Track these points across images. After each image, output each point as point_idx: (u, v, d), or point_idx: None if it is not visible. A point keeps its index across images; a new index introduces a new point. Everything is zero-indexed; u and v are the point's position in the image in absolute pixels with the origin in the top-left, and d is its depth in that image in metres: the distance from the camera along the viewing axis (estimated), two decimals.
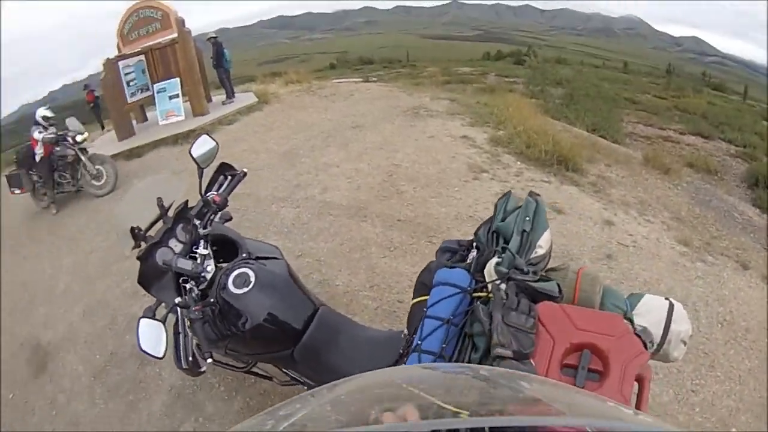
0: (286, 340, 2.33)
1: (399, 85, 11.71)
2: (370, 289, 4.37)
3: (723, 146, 12.08)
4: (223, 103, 11.88)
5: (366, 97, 10.63)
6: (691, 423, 3.41)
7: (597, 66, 40.69)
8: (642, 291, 2.00)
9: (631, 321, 1.80)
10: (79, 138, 8.37)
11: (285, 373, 2.73)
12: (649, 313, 1.86)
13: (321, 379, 2.33)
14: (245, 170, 2.76)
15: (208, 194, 2.61)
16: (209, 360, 2.15)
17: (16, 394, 4.48)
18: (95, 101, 16.70)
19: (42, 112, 8.62)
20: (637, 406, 1.59)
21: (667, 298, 1.91)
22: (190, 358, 2.20)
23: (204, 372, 2.34)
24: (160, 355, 2.04)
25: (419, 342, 1.84)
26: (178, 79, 11.41)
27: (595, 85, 23.52)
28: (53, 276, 6.25)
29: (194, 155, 2.57)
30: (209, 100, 12.18)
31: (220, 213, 2.65)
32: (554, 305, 1.73)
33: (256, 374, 3.01)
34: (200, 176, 2.56)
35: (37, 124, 8.46)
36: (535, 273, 1.88)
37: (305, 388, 2.66)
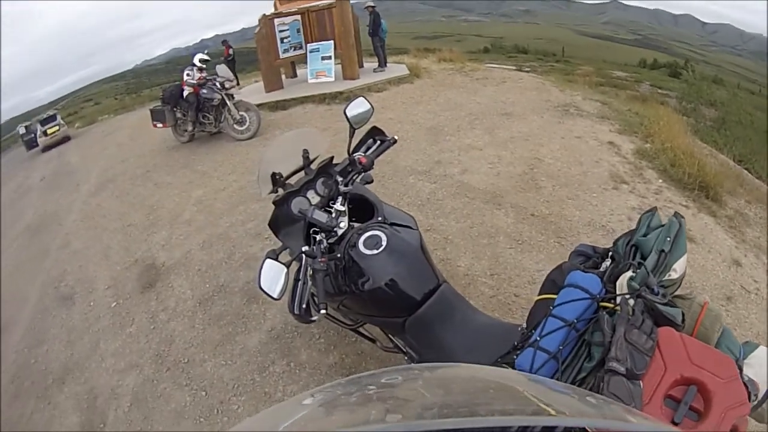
0: (402, 308, 2.31)
1: (551, 80, 11.38)
2: (490, 276, 4.29)
3: None
4: (375, 71, 12.06)
5: (518, 86, 10.38)
6: None
7: (753, 92, 37.63)
8: (756, 341, 1.84)
9: (740, 369, 1.67)
10: (227, 84, 8.90)
11: (390, 339, 2.74)
12: (760, 365, 1.75)
13: (426, 353, 2.35)
14: (396, 137, 2.76)
15: (355, 154, 2.63)
16: (323, 311, 2.14)
17: (119, 303, 4.83)
18: (231, 56, 17.35)
19: (200, 56, 9.33)
20: None
21: None
22: (304, 306, 2.19)
23: (314, 321, 2.35)
24: (276, 296, 2.09)
25: (538, 338, 1.80)
26: (332, 42, 11.73)
27: (749, 113, 21.66)
28: (180, 205, 6.67)
29: (348, 115, 2.61)
30: (361, 66, 12.39)
31: (362, 174, 2.65)
32: (675, 333, 1.67)
33: (361, 334, 3.06)
34: (351, 135, 2.60)
35: (192, 66, 9.10)
36: (664, 296, 1.80)
37: (405, 357, 2.67)
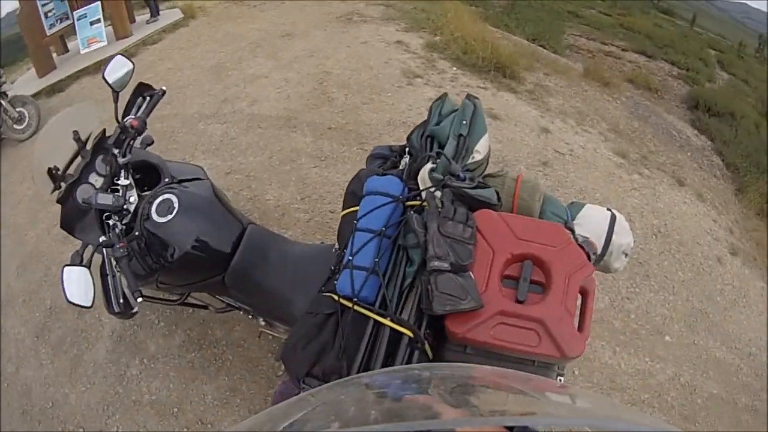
0: (216, 265, 2.26)
1: None
2: (301, 201, 4.36)
3: (665, 67, 11.96)
4: (147, 23, 11.16)
5: (296, 4, 10.17)
6: (627, 329, 3.59)
7: None
8: (579, 200, 1.92)
9: (572, 231, 1.73)
10: None
11: (220, 300, 2.72)
12: (590, 223, 1.82)
13: (255, 302, 2.38)
14: (164, 88, 2.57)
15: (125, 119, 2.42)
16: (139, 298, 2.02)
17: None
18: None
19: None
20: (581, 320, 1.54)
21: (608, 209, 1.88)
22: (121, 300, 2.07)
23: (136, 312, 2.26)
24: (89, 304, 1.95)
25: (350, 258, 1.72)
26: (99, 3, 10.66)
27: None
28: None
29: (108, 79, 2.44)
30: (132, 21, 11.44)
31: (140, 138, 2.44)
32: (493, 214, 1.66)
33: (191, 305, 2.97)
34: (115, 101, 2.43)
35: None
36: (472, 180, 1.80)
37: (241, 313, 2.69)
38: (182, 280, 2.46)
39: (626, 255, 1.86)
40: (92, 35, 10.73)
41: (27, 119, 7.92)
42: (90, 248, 2.20)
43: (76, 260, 2.02)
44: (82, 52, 10.63)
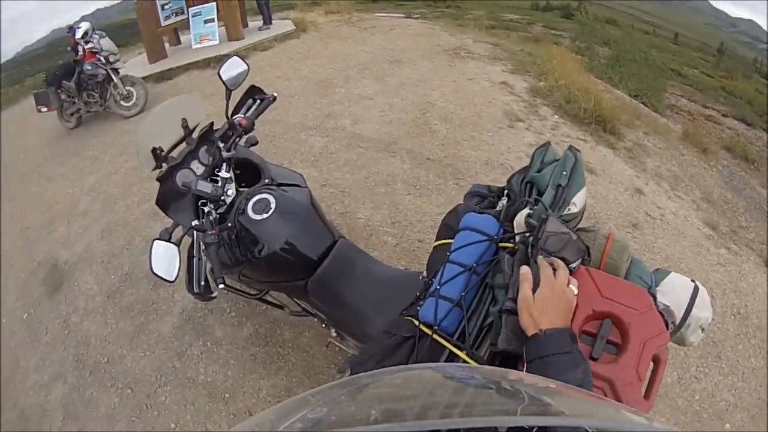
0: (301, 270, 2.31)
1: (441, 25, 11.48)
2: (391, 225, 4.36)
3: (765, 137, 11.51)
4: (260, 30, 11.68)
5: (407, 32, 10.41)
6: (689, 409, 3.46)
7: (647, 32, 39.23)
8: (664, 267, 1.91)
9: (654, 297, 1.70)
10: (111, 58, 8.38)
11: (297, 303, 2.74)
12: (673, 292, 1.78)
13: (332, 313, 2.37)
14: (275, 94, 2.69)
15: (234, 117, 2.56)
16: (221, 285, 2.10)
17: (30, 313, 4.61)
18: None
19: (85, 25, 8.60)
20: (648, 387, 1.51)
21: (692, 280, 1.82)
22: (203, 283, 2.17)
23: (215, 297, 2.36)
24: (172, 279, 2.02)
25: (438, 287, 1.74)
26: (214, 4, 11.26)
27: (643, 51, 22.57)
28: (74, 196, 6.36)
29: (223, 77, 2.53)
30: (245, 25, 12.02)
31: (245, 137, 2.57)
32: (581, 268, 1.63)
33: (267, 302, 3.06)
34: (227, 98, 2.52)
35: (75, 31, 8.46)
36: None
37: (315, 320, 2.73)
38: (265, 277, 2.53)
39: (703, 330, 1.80)
40: (205, 33, 11.29)
41: (134, 98, 8.46)
42: (180, 229, 2.33)
43: (165, 236, 2.10)
44: (193, 46, 11.20)
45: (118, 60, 8.62)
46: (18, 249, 5.75)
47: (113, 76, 8.29)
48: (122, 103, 8.42)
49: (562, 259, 1.55)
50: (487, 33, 10.57)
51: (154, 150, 2.53)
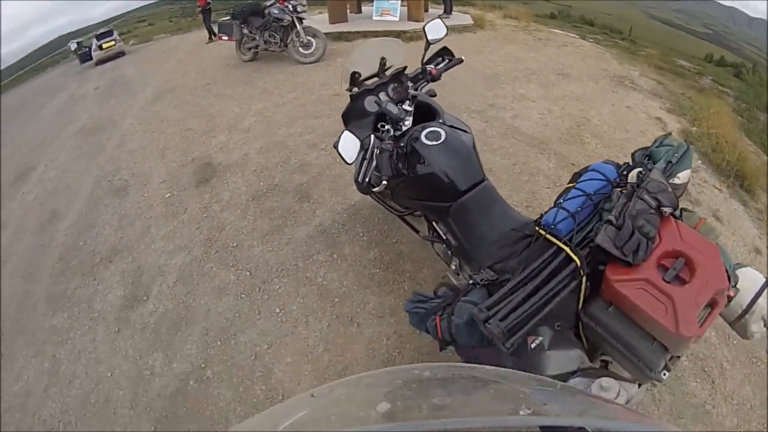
0: (449, 194, 2.66)
1: (613, 53, 11.37)
2: (525, 207, 4.60)
3: None
4: (439, 17, 11.93)
5: (578, 51, 10.52)
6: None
7: None
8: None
9: (729, 277, 1.91)
10: (299, 8, 9.14)
11: (433, 227, 3.10)
12: (745, 280, 2.00)
13: (462, 238, 2.69)
14: (462, 57, 3.27)
15: (427, 65, 3.13)
16: (384, 182, 2.61)
17: (174, 194, 5.28)
18: (206, 6, 16.41)
19: None
20: (703, 320, 1.73)
21: (766, 277, 2.03)
22: (367, 180, 2.58)
23: (375, 191, 2.76)
24: (350, 161, 2.45)
25: (561, 201, 2.19)
26: None
27: None
28: (240, 114, 7.10)
29: (426, 31, 3.07)
30: (426, 10, 12.53)
31: (430, 84, 3.14)
32: (670, 217, 1.98)
33: (405, 221, 3.51)
34: (426, 48, 3.11)
35: None
36: None
37: (443, 246, 3.05)
38: (417, 194, 2.91)
39: (765, 323, 1.99)
40: (387, 7, 11.89)
41: (313, 48, 9.25)
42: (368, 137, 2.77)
43: (350, 131, 2.58)
44: (374, 18, 11.85)
45: (305, 11, 9.38)
46: (174, 144, 6.53)
47: (297, 24, 9.06)
48: (301, 50, 9.21)
49: (657, 201, 1.94)
50: (655, 71, 10.38)
51: (353, 74, 3.08)
